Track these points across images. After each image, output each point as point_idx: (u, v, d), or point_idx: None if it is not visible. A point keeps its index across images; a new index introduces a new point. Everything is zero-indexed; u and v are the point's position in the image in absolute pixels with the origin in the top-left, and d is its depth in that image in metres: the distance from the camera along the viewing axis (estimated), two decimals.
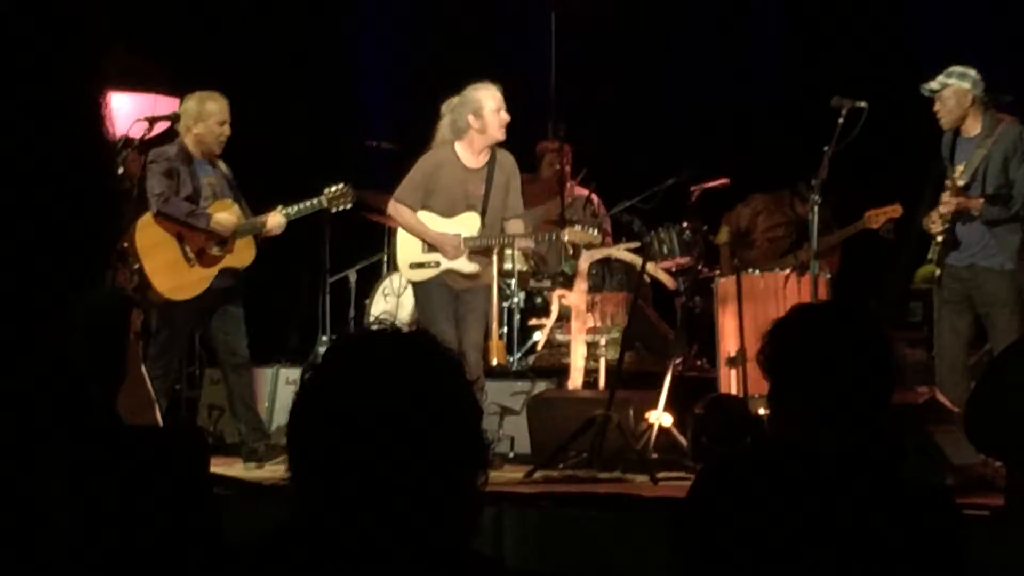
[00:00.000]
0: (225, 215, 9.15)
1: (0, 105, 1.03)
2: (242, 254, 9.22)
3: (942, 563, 3.17)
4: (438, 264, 9.20)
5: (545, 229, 10.00)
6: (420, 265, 9.26)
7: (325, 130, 13.00)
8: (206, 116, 9.29)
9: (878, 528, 3.13)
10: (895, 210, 9.64)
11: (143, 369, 8.81)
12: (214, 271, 9.13)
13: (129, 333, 6.53)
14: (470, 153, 9.19)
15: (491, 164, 9.21)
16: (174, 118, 9.61)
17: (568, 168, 11.26)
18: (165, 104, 11.88)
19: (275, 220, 9.18)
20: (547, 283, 10.93)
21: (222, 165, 9.42)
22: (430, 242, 9.22)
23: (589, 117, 11.89)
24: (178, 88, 11.74)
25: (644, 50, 13.01)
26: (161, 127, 9.70)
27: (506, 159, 9.29)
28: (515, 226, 9.32)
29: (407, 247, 9.36)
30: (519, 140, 11.97)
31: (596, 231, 9.61)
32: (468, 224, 9.22)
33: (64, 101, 1.08)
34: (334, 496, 2.13)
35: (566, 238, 9.63)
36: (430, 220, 9.26)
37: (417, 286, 9.38)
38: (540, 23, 11.46)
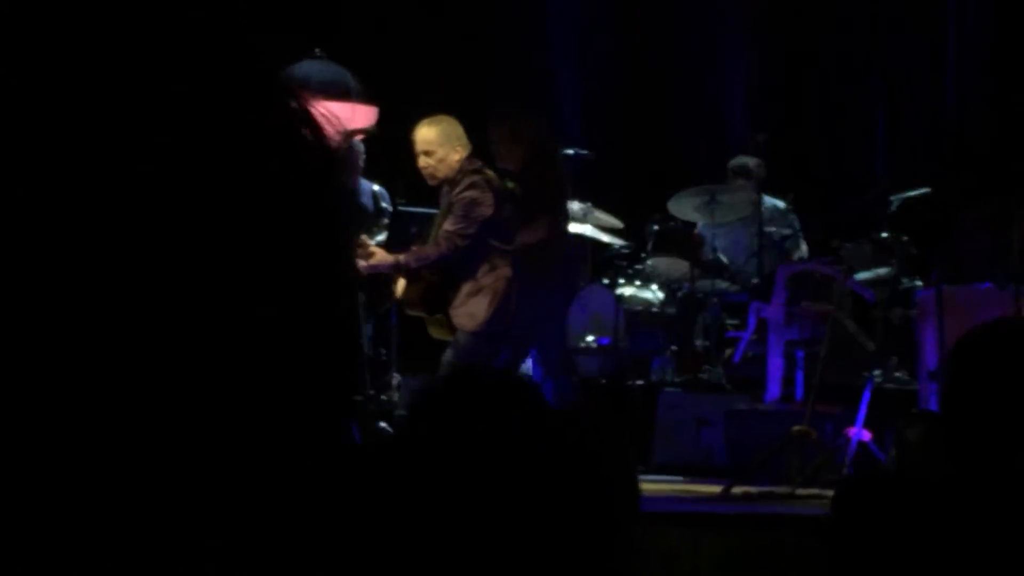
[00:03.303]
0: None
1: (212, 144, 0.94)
2: None
3: None
4: None
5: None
6: None
7: None
8: None
9: None
10: None
11: None
12: None
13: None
14: None
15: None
16: (370, 132, 9.69)
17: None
18: (363, 113, 12.00)
19: None
20: (744, 295, 10.88)
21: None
22: None
23: (789, 128, 11.79)
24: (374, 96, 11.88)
25: (843, 58, 12.85)
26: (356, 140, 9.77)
27: None
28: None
29: None
30: (716, 150, 11.93)
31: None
32: None
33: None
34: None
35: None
36: None
37: None
38: (735, 33, 11.40)
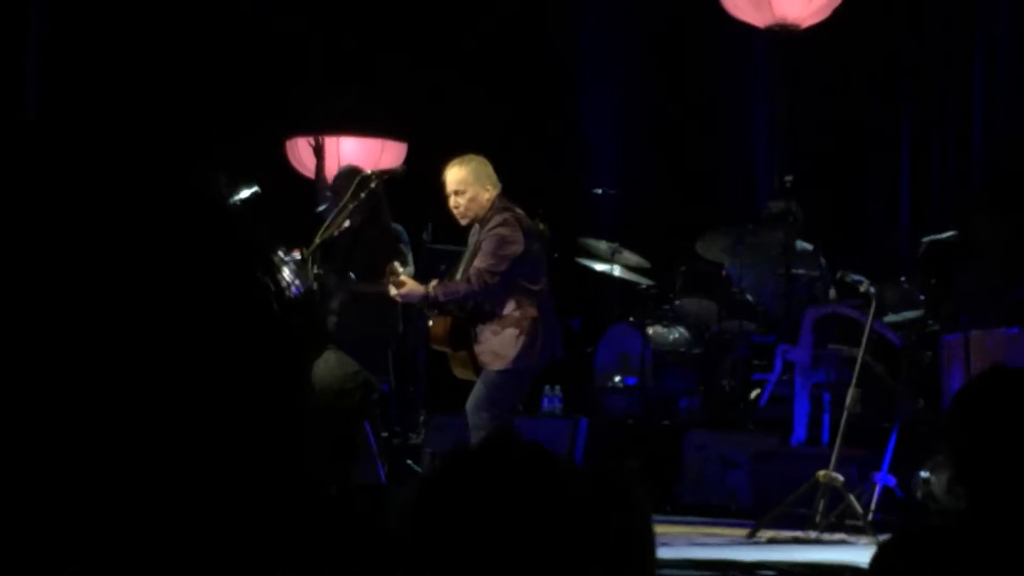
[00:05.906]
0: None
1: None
2: None
3: None
4: None
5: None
6: None
7: (549, 178, 13.06)
8: None
9: None
10: None
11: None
12: None
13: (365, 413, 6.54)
14: None
15: None
16: (396, 173, 9.76)
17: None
18: (393, 150, 12.08)
19: None
20: (771, 336, 10.87)
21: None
22: None
23: (814, 171, 11.80)
24: (404, 132, 11.94)
25: (869, 103, 12.86)
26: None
27: None
28: None
29: None
30: (745, 192, 11.94)
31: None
32: None
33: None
34: None
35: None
36: None
37: None
38: (765, 75, 11.42)
